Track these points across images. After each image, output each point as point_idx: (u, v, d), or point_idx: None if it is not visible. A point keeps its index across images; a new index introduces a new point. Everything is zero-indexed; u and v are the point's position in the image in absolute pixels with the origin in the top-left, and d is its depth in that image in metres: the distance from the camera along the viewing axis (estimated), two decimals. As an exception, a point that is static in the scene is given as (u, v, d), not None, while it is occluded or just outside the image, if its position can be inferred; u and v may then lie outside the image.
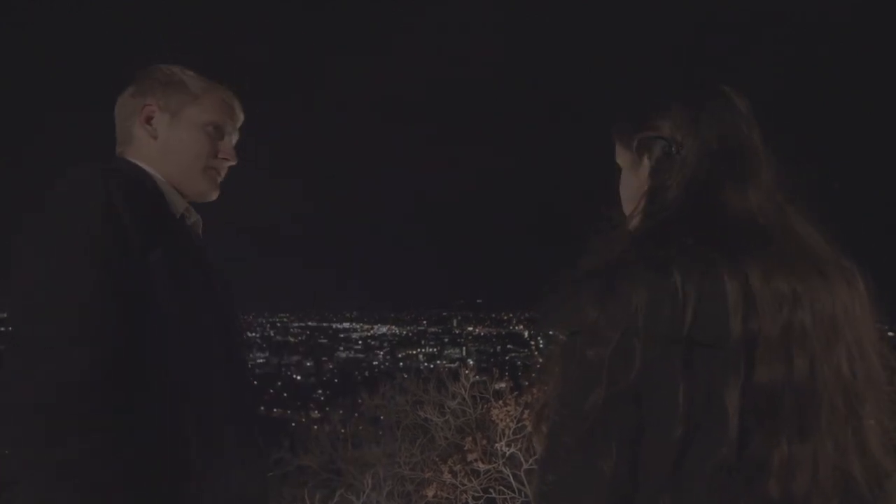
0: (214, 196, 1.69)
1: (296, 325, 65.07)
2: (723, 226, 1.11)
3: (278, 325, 63.62)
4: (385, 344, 58.69)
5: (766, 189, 1.17)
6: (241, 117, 1.73)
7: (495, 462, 7.30)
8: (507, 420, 7.20)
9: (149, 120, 1.62)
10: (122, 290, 1.34)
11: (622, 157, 1.30)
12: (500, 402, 7.68)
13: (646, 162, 1.23)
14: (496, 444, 7.27)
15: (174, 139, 1.61)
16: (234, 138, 1.71)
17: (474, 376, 9.21)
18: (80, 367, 1.26)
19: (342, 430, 11.11)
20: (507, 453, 7.21)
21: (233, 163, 1.69)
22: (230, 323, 1.59)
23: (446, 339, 58.08)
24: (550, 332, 1.19)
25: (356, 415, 11.90)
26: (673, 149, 1.20)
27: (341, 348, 57.79)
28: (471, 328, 62.10)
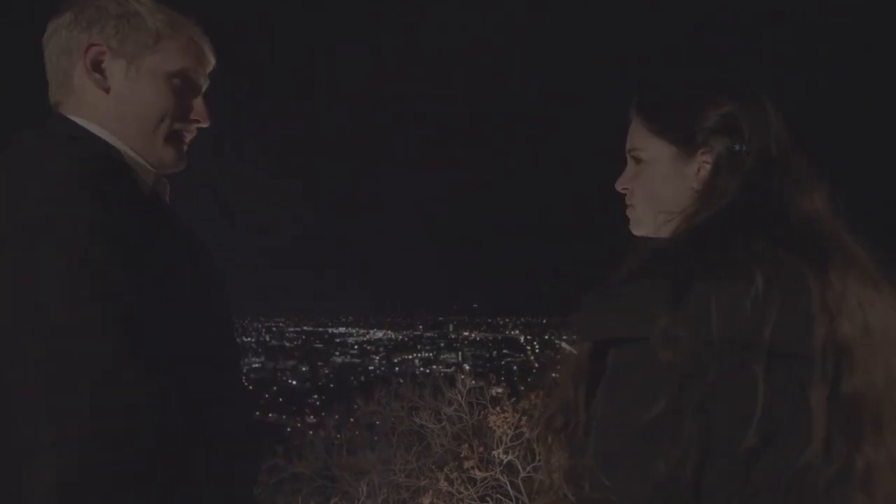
0: (182, 166, 1.37)
1: (291, 329, 65.00)
2: (796, 230, 1.09)
3: (274, 329, 63.53)
4: (381, 349, 58.64)
5: (824, 196, 1.16)
6: (212, 62, 1.38)
7: (492, 470, 7.22)
8: (505, 427, 7.13)
9: (96, 66, 1.27)
10: (142, 292, 1.13)
11: (657, 150, 1.23)
12: (498, 408, 7.61)
13: (700, 158, 1.19)
14: (493, 452, 7.20)
15: (133, 94, 1.28)
16: (204, 88, 1.38)
17: (471, 381, 9.14)
18: (141, 390, 1.09)
19: (337, 436, 11.05)
20: (505, 461, 7.14)
21: (204, 125, 1.38)
22: (228, 315, 1.40)
23: (442, 344, 58.11)
24: (602, 337, 1.11)
25: (351, 420, 11.84)
26: (740, 147, 1.16)
27: (337, 353, 57.69)
28: (467, 333, 62.17)
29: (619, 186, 1.29)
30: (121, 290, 1.12)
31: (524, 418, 7.23)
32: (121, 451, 1.08)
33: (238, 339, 1.52)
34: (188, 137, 1.37)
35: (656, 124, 1.23)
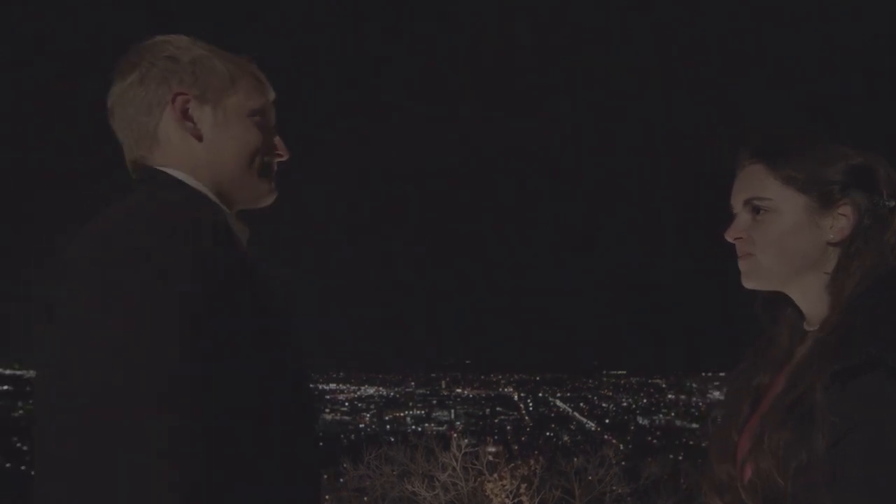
0: (272, 198, 1.37)
1: (281, 385, 64.35)
2: None
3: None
4: (372, 406, 58.07)
5: None
6: (274, 94, 1.39)
7: (489, 543, 6.78)
8: (503, 496, 6.74)
9: (185, 114, 1.26)
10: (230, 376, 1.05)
11: (788, 200, 1.19)
12: (495, 475, 7.21)
13: (838, 210, 1.17)
14: (490, 523, 6.77)
15: (225, 139, 1.28)
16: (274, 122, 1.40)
17: (465, 445, 8.74)
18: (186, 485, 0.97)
19: (326, 497, 10.66)
20: (503, 533, 6.70)
21: (285, 157, 1.37)
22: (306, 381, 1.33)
23: (434, 401, 57.72)
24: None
25: (341, 480, 11.47)
26: (885, 202, 1.16)
27: (327, 410, 57.00)
28: (459, 389, 61.85)
29: (731, 236, 1.23)
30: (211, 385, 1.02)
31: (523, 486, 6.87)
32: None
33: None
34: (274, 171, 1.37)
35: (788, 173, 1.19)
